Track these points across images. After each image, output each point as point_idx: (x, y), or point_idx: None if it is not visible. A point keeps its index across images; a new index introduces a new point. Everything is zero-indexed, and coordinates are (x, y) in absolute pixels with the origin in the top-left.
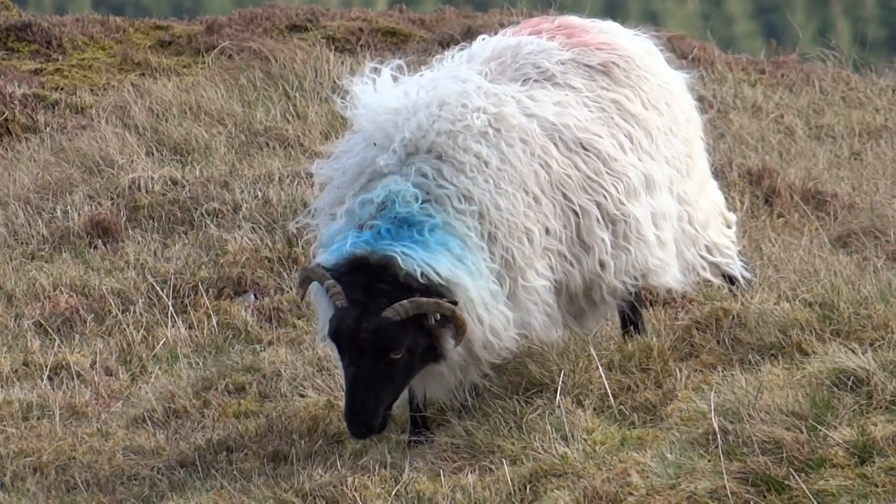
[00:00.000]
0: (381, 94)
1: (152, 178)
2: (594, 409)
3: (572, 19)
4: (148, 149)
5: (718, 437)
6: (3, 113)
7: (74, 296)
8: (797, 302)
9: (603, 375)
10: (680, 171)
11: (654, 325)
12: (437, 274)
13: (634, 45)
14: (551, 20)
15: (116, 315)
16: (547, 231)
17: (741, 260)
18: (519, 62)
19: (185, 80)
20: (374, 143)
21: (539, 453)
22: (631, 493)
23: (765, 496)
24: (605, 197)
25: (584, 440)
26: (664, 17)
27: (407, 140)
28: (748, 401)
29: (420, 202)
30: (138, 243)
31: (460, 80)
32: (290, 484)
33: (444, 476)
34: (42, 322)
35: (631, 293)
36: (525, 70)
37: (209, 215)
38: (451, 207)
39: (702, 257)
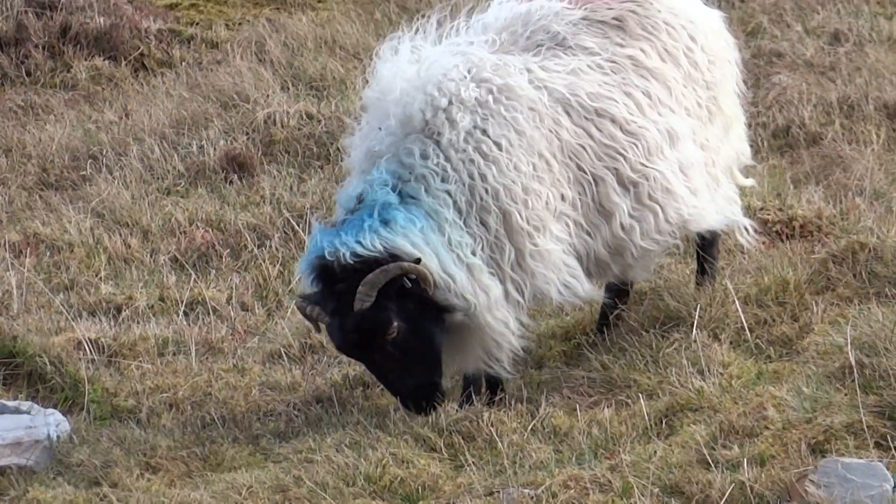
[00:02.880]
0: (391, 75)
1: (288, 113)
2: (730, 343)
3: None
4: (283, 83)
5: (855, 370)
6: (139, 48)
7: (210, 231)
8: None
9: (739, 309)
10: (701, 118)
11: (789, 258)
12: (364, 248)
13: None
14: None
15: (252, 250)
16: (562, 197)
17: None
18: (530, 30)
19: (320, 15)
20: (380, 128)
21: (675, 387)
22: (767, 427)
23: None
24: (623, 161)
25: (720, 374)
26: None
27: (404, 120)
28: (885, 334)
29: (390, 187)
30: (274, 178)
31: (461, 54)
32: (426, 419)
33: (580, 410)
34: (178, 257)
35: (672, 244)
36: (536, 38)
37: (344, 150)
38: (429, 185)
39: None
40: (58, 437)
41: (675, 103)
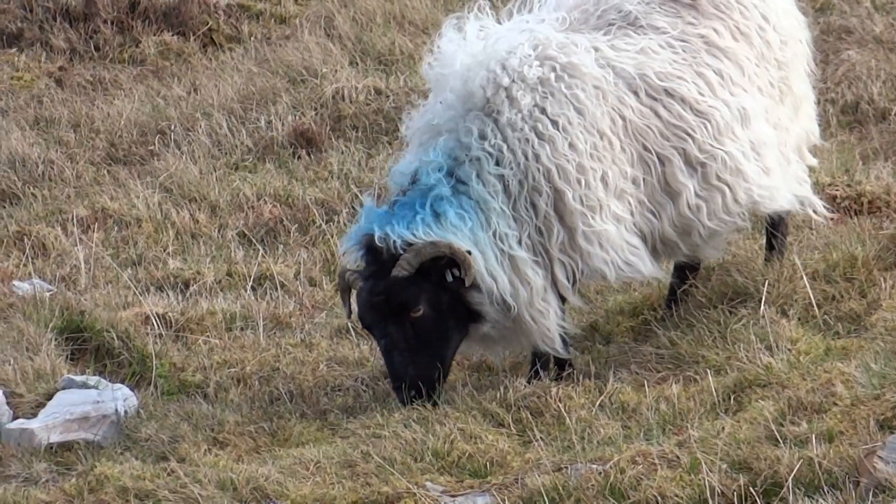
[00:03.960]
0: (455, 51)
1: (356, 88)
2: (798, 319)
3: None
4: (351, 59)
5: None
6: (208, 23)
7: (278, 206)
8: None
9: (807, 285)
10: (773, 98)
11: (858, 234)
12: (416, 238)
13: None
14: None
15: (320, 225)
16: (625, 175)
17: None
18: (601, 8)
19: None
20: (440, 102)
21: (743, 363)
22: (835, 404)
23: None
24: (691, 141)
25: (789, 350)
26: None
27: (465, 96)
28: None
29: (445, 172)
30: (342, 153)
31: (527, 31)
32: (494, 395)
33: (648, 386)
34: (246, 232)
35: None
36: (608, 16)
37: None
38: (482, 169)
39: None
40: (125, 412)
41: (748, 82)
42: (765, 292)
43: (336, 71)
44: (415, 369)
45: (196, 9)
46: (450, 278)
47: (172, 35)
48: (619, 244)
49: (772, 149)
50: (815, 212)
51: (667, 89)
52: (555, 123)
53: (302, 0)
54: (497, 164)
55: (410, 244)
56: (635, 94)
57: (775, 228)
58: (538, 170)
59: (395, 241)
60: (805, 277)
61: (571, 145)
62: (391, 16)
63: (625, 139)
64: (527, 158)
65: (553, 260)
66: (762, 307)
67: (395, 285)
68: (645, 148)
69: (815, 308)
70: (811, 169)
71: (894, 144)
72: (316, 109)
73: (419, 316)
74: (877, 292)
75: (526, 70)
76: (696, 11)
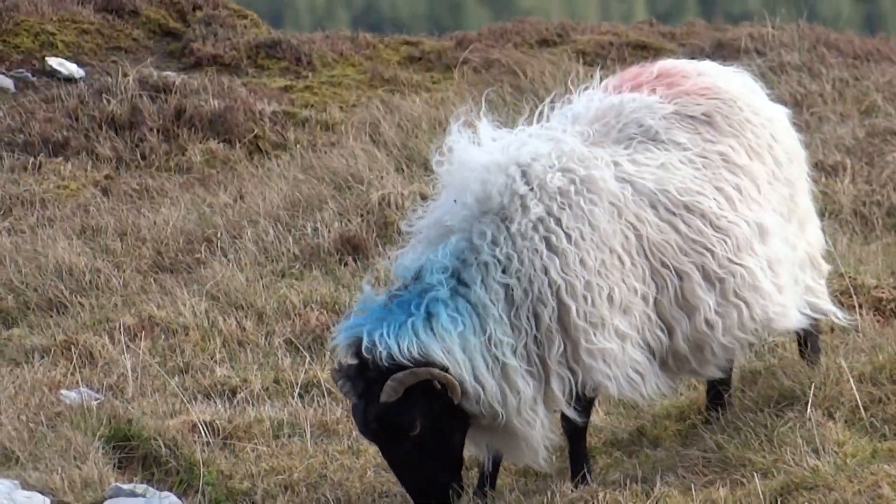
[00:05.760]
0: (473, 150)
1: (402, 195)
2: (845, 422)
3: (671, 64)
4: (397, 165)
5: None
6: (254, 130)
7: (325, 313)
8: None
9: (854, 387)
10: (783, 215)
11: None
12: (400, 354)
13: (735, 85)
14: (650, 69)
15: None
16: (635, 292)
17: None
18: (622, 122)
19: (434, 96)
20: (455, 200)
21: (790, 466)
22: None
23: None
24: (710, 257)
25: (835, 453)
26: None
27: (482, 198)
28: None
29: (449, 273)
30: (389, 259)
31: (553, 139)
32: (542, 500)
33: (695, 490)
34: (293, 339)
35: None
36: (629, 130)
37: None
38: (487, 275)
39: (802, 298)
40: None
41: (764, 199)
42: (811, 395)
43: (382, 177)
44: (428, 477)
45: (242, 116)
46: (438, 386)
47: (218, 143)
48: (622, 360)
49: (787, 266)
50: (837, 316)
51: (686, 204)
52: (568, 237)
53: (347, 107)
54: (504, 272)
55: (394, 359)
56: (654, 208)
57: (810, 357)
58: (546, 282)
59: (381, 353)
60: (851, 380)
61: (582, 261)
62: (436, 121)
63: (637, 256)
64: (534, 269)
65: (550, 372)
66: (809, 410)
67: (386, 412)
68: (662, 264)
69: (862, 410)
70: (857, 269)
71: None
72: (362, 216)
73: (417, 433)
74: None
75: (548, 179)
76: (712, 128)
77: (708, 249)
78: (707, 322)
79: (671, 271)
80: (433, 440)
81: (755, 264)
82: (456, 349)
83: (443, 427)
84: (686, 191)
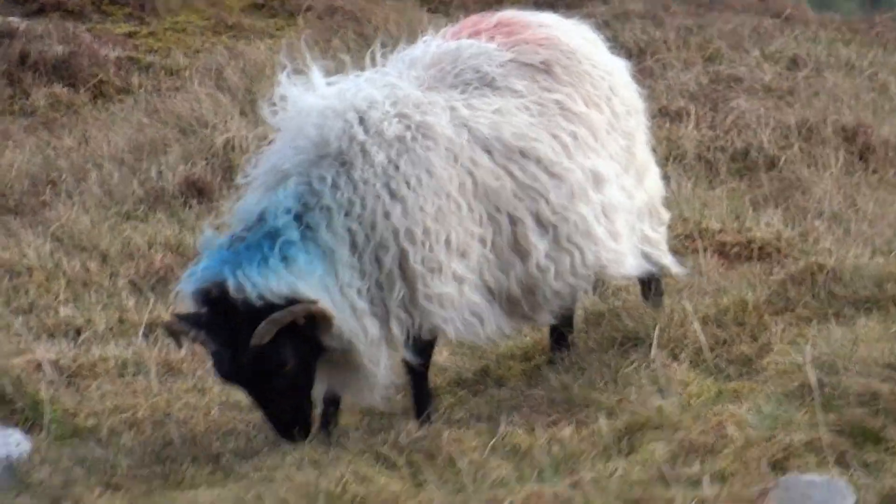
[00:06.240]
0: (308, 97)
1: (246, 138)
2: (689, 363)
3: (511, 14)
4: (242, 109)
5: (815, 389)
6: (98, 75)
7: (169, 254)
8: (892, 256)
9: (698, 329)
10: (621, 164)
11: (748, 279)
12: (272, 292)
13: (575, 37)
14: (490, 17)
15: None
16: (472, 236)
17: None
18: (458, 68)
19: (278, 42)
20: (291, 147)
21: (635, 406)
22: (727, 446)
23: (861, 448)
24: (544, 202)
25: (680, 393)
26: None
27: (319, 143)
28: (844, 353)
29: (293, 215)
30: (233, 202)
31: (388, 85)
32: (387, 438)
33: (540, 429)
34: (136, 281)
35: (588, 289)
36: (465, 76)
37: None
38: (331, 219)
39: (638, 247)
40: (18, 456)
41: (601, 147)
42: (655, 336)
43: (226, 121)
44: (290, 409)
45: (86, 61)
46: (301, 321)
47: (63, 87)
48: (459, 303)
49: (621, 214)
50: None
51: (522, 150)
52: (407, 184)
53: (191, 53)
54: (346, 216)
55: (264, 299)
56: (489, 153)
57: (654, 299)
58: (387, 228)
59: (251, 293)
60: (696, 321)
61: (421, 207)
62: (281, 67)
63: (474, 200)
64: (375, 215)
65: (391, 316)
66: (653, 351)
67: (259, 355)
68: (497, 209)
69: (707, 351)
70: (703, 212)
71: (784, 191)
72: (207, 159)
73: (289, 369)
74: (767, 336)
75: (385, 126)
76: (550, 77)
77: (542, 195)
78: (539, 266)
79: (505, 216)
80: (298, 376)
81: (589, 211)
82: (319, 287)
83: (304, 362)
84: (521, 136)
